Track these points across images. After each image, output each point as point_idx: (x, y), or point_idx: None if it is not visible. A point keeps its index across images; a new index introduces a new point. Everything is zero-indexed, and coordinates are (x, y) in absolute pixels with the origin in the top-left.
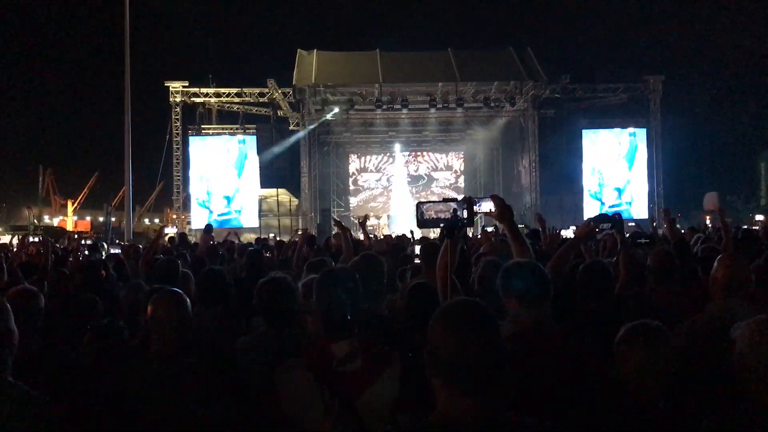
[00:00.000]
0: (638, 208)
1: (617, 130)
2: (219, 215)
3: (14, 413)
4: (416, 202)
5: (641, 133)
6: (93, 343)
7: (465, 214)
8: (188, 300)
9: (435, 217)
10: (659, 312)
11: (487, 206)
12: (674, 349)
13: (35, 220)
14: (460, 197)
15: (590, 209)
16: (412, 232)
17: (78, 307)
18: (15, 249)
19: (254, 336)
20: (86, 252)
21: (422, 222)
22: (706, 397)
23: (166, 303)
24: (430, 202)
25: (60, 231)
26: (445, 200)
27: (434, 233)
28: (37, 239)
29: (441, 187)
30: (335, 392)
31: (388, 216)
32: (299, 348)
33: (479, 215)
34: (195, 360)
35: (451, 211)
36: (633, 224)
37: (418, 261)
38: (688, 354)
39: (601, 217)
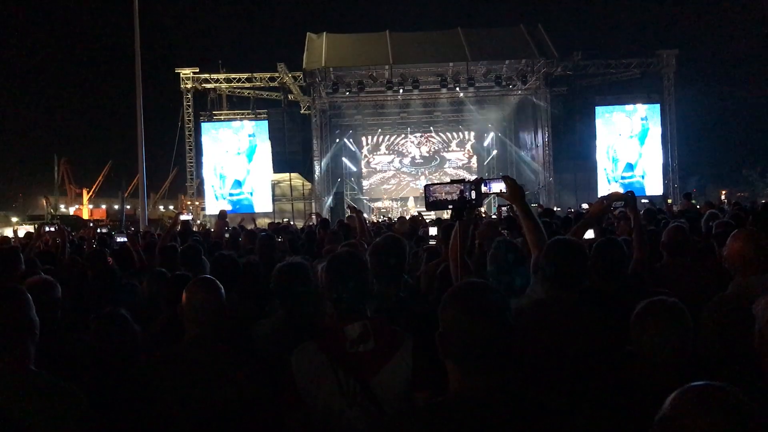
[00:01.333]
0: (652, 184)
1: (631, 106)
2: (230, 198)
3: (39, 403)
4: (425, 184)
5: (655, 109)
6: (99, 333)
7: (473, 195)
8: (222, 287)
9: (443, 198)
10: (673, 286)
11: (498, 186)
12: (691, 325)
13: (52, 210)
14: (471, 178)
15: (604, 186)
16: (419, 213)
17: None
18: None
19: (271, 320)
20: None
21: (431, 204)
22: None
23: (203, 289)
24: (438, 183)
25: (76, 220)
26: (453, 182)
27: (446, 215)
28: (53, 228)
29: (453, 168)
30: (350, 373)
31: (415, 198)
32: (316, 331)
33: (491, 195)
34: (229, 346)
35: (458, 192)
36: (646, 201)
37: (433, 243)
38: (715, 334)
39: (614, 195)
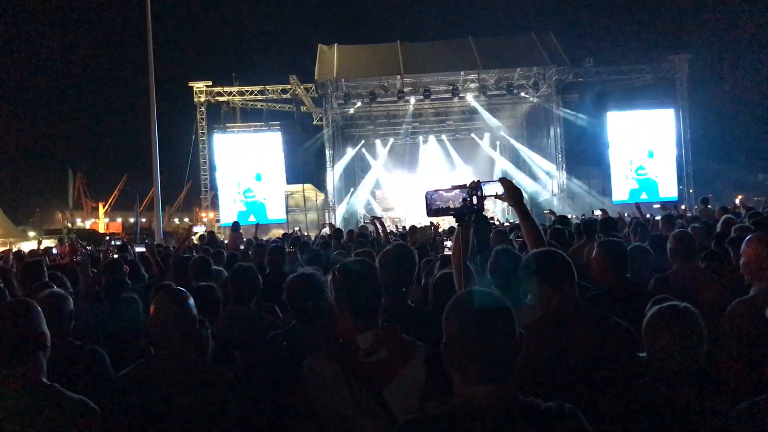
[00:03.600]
0: (666, 189)
1: (644, 111)
2: (245, 200)
3: (51, 415)
4: (426, 191)
5: (668, 114)
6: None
7: (474, 200)
8: (191, 298)
9: (444, 206)
10: (684, 293)
11: (494, 189)
12: (703, 331)
13: (68, 224)
14: (467, 182)
15: (618, 191)
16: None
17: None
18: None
19: (284, 330)
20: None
21: (432, 211)
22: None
23: (168, 301)
24: (438, 190)
25: (92, 233)
26: (454, 187)
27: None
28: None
29: (466, 176)
30: (362, 383)
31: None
32: (325, 339)
33: (490, 198)
34: (198, 356)
35: (461, 198)
36: (658, 206)
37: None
38: (735, 340)
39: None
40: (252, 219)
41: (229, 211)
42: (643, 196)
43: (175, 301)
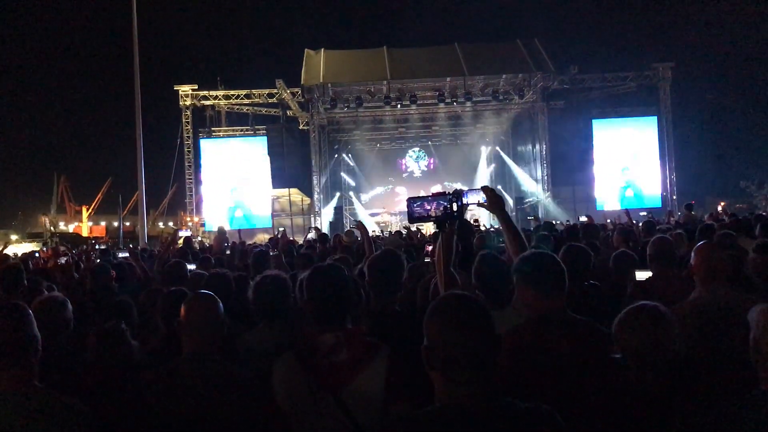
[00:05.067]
0: (651, 197)
1: (627, 118)
2: (231, 215)
3: (44, 419)
4: (407, 198)
5: (652, 121)
6: (97, 348)
7: (454, 207)
8: (221, 302)
9: (425, 213)
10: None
11: (476, 197)
12: (674, 328)
13: (51, 227)
14: (452, 190)
15: (602, 199)
16: (407, 228)
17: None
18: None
19: (252, 333)
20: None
21: (413, 218)
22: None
23: (201, 305)
24: (420, 197)
25: (75, 237)
26: (435, 195)
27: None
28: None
29: (451, 182)
30: (322, 382)
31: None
32: (294, 342)
33: (470, 205)
34: (227, 360)
35: (441, 205)
36: (644, 213)
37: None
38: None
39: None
40: (239, 214)
41: (213, 215)
42: (629, 193)
43: (205, 305)
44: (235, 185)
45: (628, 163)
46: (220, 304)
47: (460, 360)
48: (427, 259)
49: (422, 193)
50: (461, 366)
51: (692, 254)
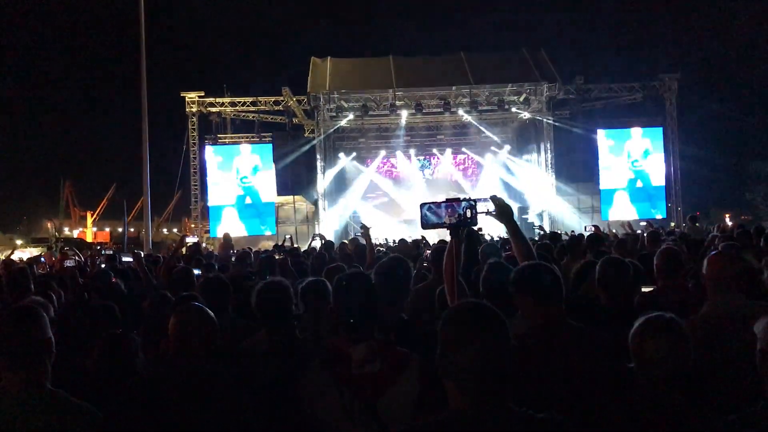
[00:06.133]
0: (658, 187)
1: (633, 129)
2: (237, 221)
3: (56, 421)
4: (420, 203)
5: (657, 132)
6: (103, 353)
7: (468, 213)
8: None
9: (439, 220)
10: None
11: (485, 206)
12: (689, 340)
13: (56, 233)
14: (463, 196)
15: (606, 209)
16: (423, 237)
17: (94, 315)
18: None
19: (254, 339)
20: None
21: (427, 225)
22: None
23: (190, 312)
24: (432, 203)
25: (80, 242)
26: (448, 200)
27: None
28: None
29: (456, 191)
30: (355, 394)
31: None
32: (295, 348)
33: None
34: (221, 366)
35: (456, 213)
36: (644, 224)
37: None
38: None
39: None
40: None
41: (217, 222)
42: (639, 185)
43: (197, 312)
44: (239, 191)
45: (633, 173)
46: (211, 314)
47: (475, 368)
48: (425, 264)
49: (432, 200)
50: (477, 375)
51: (705, 264)
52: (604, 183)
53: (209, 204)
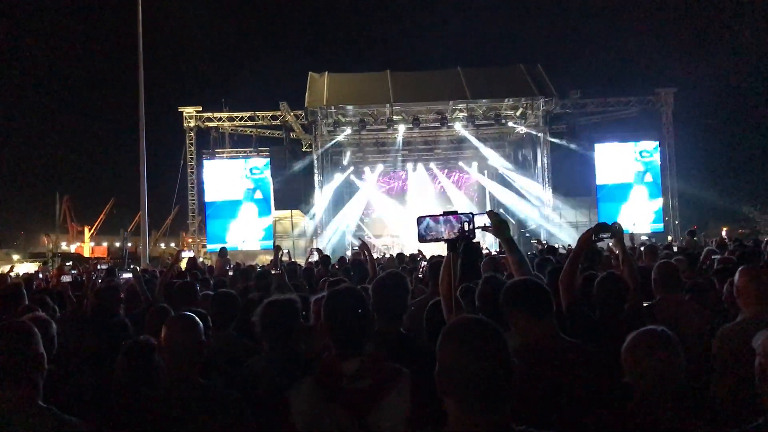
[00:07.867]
0: (653, 222)
1: (630, 143)
2: (233, 237)
3: None
4: (417, 216)
5: (654, 146)
6: (126, 365)
7: (466, 227)
8: (201, 323)
9: (438, 234)
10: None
11: (482, 221)
12: (682, 353)
13: (53, 248)
14: (458, 210)
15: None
16: (420, 251)
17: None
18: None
19: (261, 356)
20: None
21: (423, 238)
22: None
23: (179, 326)
24: (429, 216)
25: (77, 257)
26: (445, 213)
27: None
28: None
29: (453, 205)
30: (346, 410)
31: None
32: (302, 365)
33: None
34: (207, 382)
35: (456, 228)
36: (645, 237)
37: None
38: (720, 361)
39: (601, 227)
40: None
41: (215, 236)
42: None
43: (184, 327)
44: (236, 206)
45: (630, 187)
46: (200, 326)
47: (475, 385)
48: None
49: (429, 214)
50: (476, 392)
51: (737, 276)
52: (601, 198)
53: (210, 200)
